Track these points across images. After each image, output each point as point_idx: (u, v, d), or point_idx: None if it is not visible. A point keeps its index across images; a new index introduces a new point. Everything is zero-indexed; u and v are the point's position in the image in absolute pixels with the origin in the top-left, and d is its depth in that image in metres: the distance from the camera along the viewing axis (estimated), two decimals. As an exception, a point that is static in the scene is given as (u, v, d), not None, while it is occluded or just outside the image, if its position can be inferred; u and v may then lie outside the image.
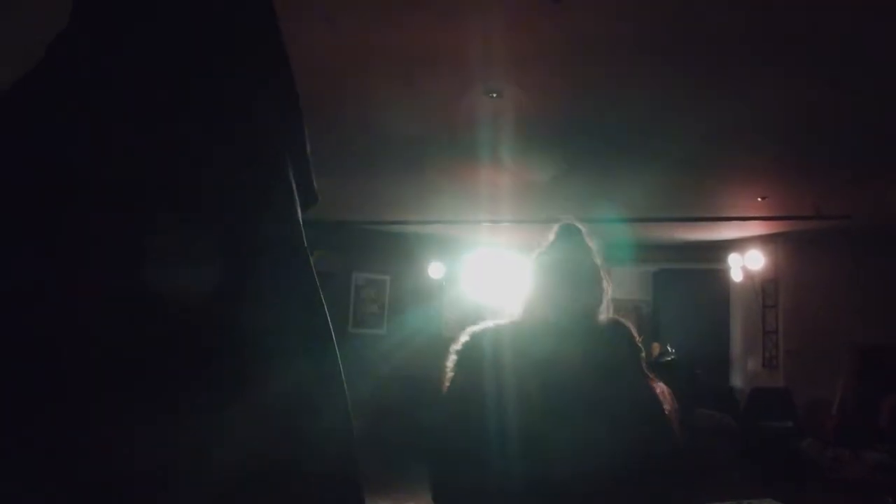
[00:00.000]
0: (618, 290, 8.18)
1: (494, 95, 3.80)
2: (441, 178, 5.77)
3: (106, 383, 0.88)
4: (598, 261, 2.01)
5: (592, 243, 2.02)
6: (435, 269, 9.01)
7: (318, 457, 0.98)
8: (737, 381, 9.25)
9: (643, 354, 2.11)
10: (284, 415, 0.95)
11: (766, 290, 8.04)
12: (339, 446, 1.02)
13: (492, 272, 8.85)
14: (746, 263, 8.01)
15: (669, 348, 10.23)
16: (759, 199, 6.10)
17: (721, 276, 9.19)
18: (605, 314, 1.98)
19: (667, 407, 1.97)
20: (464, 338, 1.95)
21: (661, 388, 2.00)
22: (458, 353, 1.94)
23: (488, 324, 1.98)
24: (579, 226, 2.03)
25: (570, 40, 3.19)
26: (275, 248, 0.99)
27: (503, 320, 1.98)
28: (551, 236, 2.03)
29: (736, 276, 8.37)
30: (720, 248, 8.52)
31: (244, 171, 0.98)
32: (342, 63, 3.46)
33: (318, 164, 1.13)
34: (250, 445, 0.90)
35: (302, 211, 1.05)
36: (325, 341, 1.03)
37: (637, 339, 2.11)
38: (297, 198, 1.04)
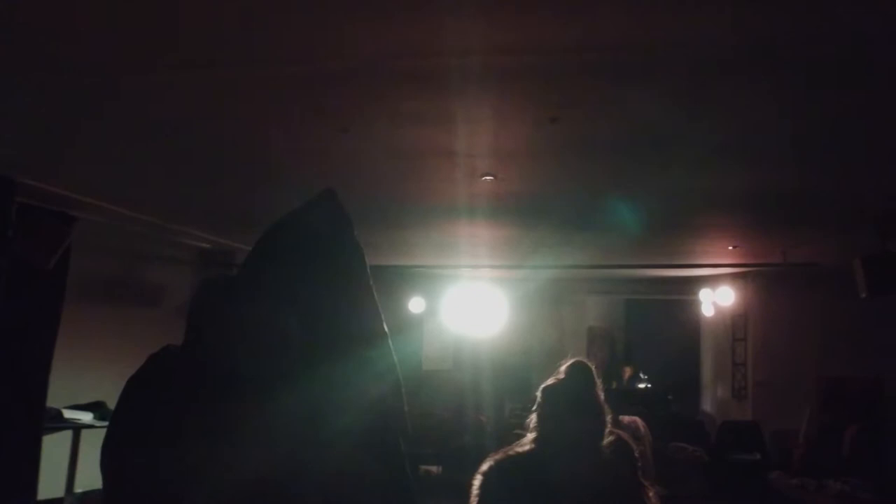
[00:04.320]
0: (591, 317, 8.46)
1: (488, 178, 4.05)
2: (426, 231, 6.00)
3: None
4: (602, 394, 2.27)
5: (599, 380, 2.28)
6: (415, 304, 9.18)
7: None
8: (706, 407, 9.59)
9: (640, 465, 2.36)
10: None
11: (735, 323, 8.37)
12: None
13: (472, 306, 9.04)
14: (717, 299, 8.32)
15: (642, 375, 10.54)
16: (731, 248, 6.41)
17: (692, 306, 9.52)
18: (607, 438, 2.22)
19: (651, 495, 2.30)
20: (486, 464, 2.20)
21: (653, 491, 2.31)
22: (483, 478, 2.18)
23: (508, 451, 2.23)
24: (588, 363, 2.30)
25: (559, 142, 3.46)
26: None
27: (521, 448, 2.22)
28: (562, 371, 2.29)
29: (707, 310, 8.68)
30: (692, 282, 8.85)
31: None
32: (357, 160, 3.79)
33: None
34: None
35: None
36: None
37: (636, 452, 2.43)
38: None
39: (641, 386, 10.32)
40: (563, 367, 2.27)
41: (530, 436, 2.21)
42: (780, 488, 6.88)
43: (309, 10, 2.18)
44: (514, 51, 2.41)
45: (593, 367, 2.28)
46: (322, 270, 1.53)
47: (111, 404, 6.21)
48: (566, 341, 9.74)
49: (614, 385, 10.01)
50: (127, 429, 1.62)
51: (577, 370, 2.24)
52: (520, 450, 2.21)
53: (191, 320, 1.67)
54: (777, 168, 3.88)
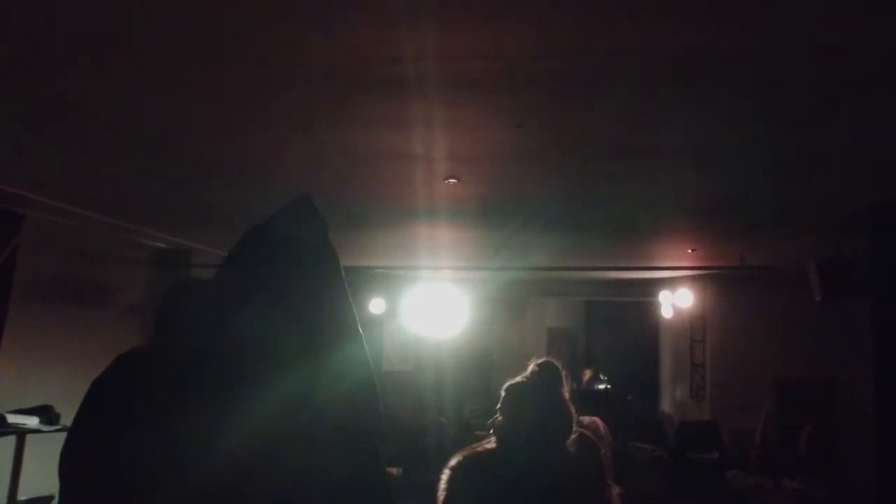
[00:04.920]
0: (552, 319, 8.49)
1: (452, 181, 4.00)
2: (387, 232, 5.93)
3: None
4: (568, 394, 2.28)
5: (566, 380, 2.30)
6: (376, 305, 9.09)
7: None
8: (665, 407, 9.70)
9: (605, 463, 2.45)
10: None
11: (694, 325, 8.48)
12: None
13: (432, 308, 9.00)
14: (676, 301, 8.42)
15: (602, 376, 10.62)
16: (690, 251, 6.48)
17: (651, 307, 9.62)
18: (573, 435, 2.23)
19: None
20: (454, 460, 2.20)
21: (616, 490, 2.33)
22: (450, 472, 2.18)
23: (476, 447, 2.24)
24: (555, 363, 2.31)
25: (523, 146, 3.44)
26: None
27: (488, 445, 2.23)
28: (529, 371, 2.30)
29: (666, 312, 8.77)
30: (652, 284, 8.93)
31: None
32: (319, 161, 3.74)
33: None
34: None
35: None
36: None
37: (601, 451, 2.45)
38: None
39: (601, 387, 10.39)
40: (530, 367, 2.28)
41: (495, 434, 2.22)
42: (737, 487, 6.97)
43: (273, 16, 2.15)
44: (478, 58, 2.41)
45: (560, 367, 2.28)
46: (299, 274, 1.56)
47: (59, 408, 6.04)
48: (526, 343, 9.76)
49: (574, 386, 10.04)
50: (90, 429, 1.60)
51: (544, 369, 2.26)
52: (487, 446, 2.22)
53: (161, 322, 1.67)
54: (734, 174, 3.94)
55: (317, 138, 3.31)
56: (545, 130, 3.20)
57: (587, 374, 10.81)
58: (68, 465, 1.56)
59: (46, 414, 5.68)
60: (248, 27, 2.23)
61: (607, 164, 3.79)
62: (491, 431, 2.22)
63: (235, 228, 1.73)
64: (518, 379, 2.27)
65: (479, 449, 2.19)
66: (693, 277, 8.24)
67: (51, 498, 5.49)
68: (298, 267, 1.57)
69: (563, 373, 2.27)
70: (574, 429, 2.24)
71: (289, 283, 1.55)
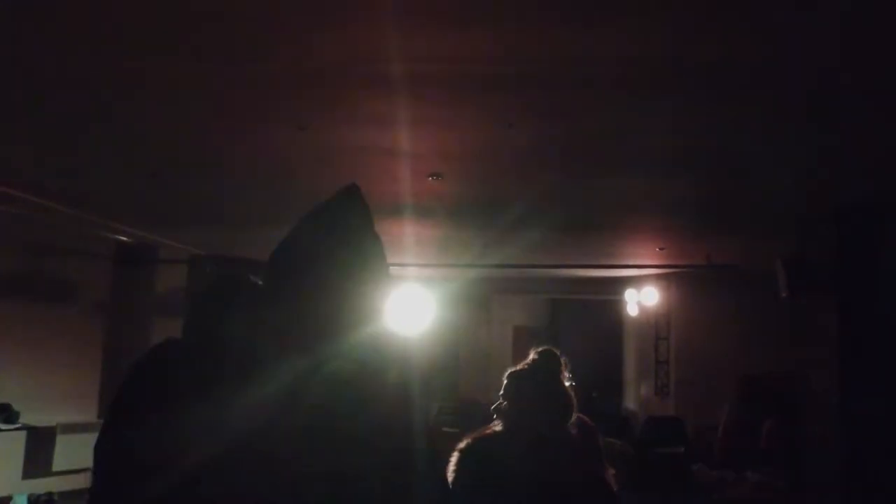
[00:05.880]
0: (517, 316, 8.52)
1: (434, 178, 4.00)
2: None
3: None
4: (568, 381, 2.42)
5: (566, 366, 2.44)
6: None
7: None
8: (629, 404, 9.84)
9: (602, 443, 2.60)
10: None
11: (659, 323, 8.62)
12: None
13: (398, 305, 8.96)
14: (642, 299, 8.54)
15: (567, 373, 10.70)
16: (658, 250, 6.58)
17: (616, 305, 9.75)
18: (573, 419, 2.36)
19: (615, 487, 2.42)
20: (463, 443, 2.29)
21: (611, 471, 2.48)
22: (459, 454, 2.25)
23: (483, 431, 2.33)
24: (555, 351, 2.46)
25: (497, 147, 3.48)
26: None
27: (495, 428, 2.33)
28: (530, 358, 2.43)
29: (632, 310, 8.90)
30: (617, 283, 9.05)
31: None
32: (309, 156, 3.72)
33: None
34: None
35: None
36: None
37: (599, 434, 2.62)
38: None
39: (567, 384, 10.47)
40: (531, 354, 2.40)
41: (500, 418, 2.31)
42: (702, 480, 7.11)
43: (262, 15, 2.16)
44: (445, 60, 2.45)
45: (560, 355, 2.42)
46: (342, 261, 1.63)
47: (17, 406, 5.85)
48: (493, 341, 9.80)
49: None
50: (132, 410, 1.63)
51: (544, 356, 2.39)
52: (493, 429, 2.31)
53: (198, 311, 1.77)
54: (704, 176, 4.04)
55: (308, 133, 3.28)
56: (521, 133, 3.26)
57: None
58: (109, 446, 1.58)
59: (4, 412, 5.50)
60: (233, 24, 2.23)
61: (580, 167, 3.87)
62: (495, 416, 2.31)
63: (207, 224, 1.72)
64: (519, 366, 2.38)
65: (485, 432, 2.29)
66: (658, 276, 8.38)
67: (9, 499, 5.32)
68: (347, 257, 1.63)
69: (563, 360, 2.41)
70: (574, 412, 2.34)
71: (332, 270, 1.61)
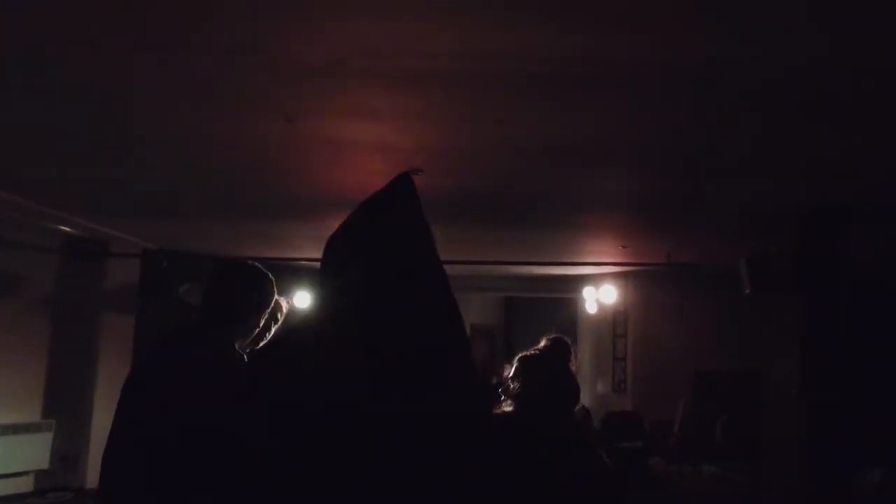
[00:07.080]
0: (473, 315, 8.48)
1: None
2: (302, 223, 5.79)
3: None
4: (574, 368, 2.64)
5: (574, 354, 2.69)
6: (300, 299, 8.81)
7: None
8: (585, 401, 9.93)
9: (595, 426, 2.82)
10: None
11: (616, 320, 8.72)
12: None
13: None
14: (600, 297, 8.62)
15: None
16: (622, 247, 6.64)
17: (571, 304, 9.82)
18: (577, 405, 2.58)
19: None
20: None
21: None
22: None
23: (497, 409, 2.43)
24: (564, 339, 2.71)
25: (457, 144, 3.45)
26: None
27: (505, 409, 2.44)
28: (541, 344, 2.63)
29: (590, 307, 8.97)
30: (574, 281, 9.11)
31: None
32: (293, 149, 3.67)
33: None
34: None
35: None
36: None
37: (593, 418, 2.85)
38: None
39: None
40: (542, 341, 2.61)
41: (510, 399, 2.44)
42: (659, 473, 7.23)
43: (253, 4, 2.13)
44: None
45: (569, 343, 2.69)
46: (391, 247, 1.78)
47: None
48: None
49: (494, 381, 10.14)
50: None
51: (554, 343, 2.62)
52: (505, 409, 2.42)
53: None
54: (663, 173, 4.07)
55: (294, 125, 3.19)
56: (479, 130, 3.29)
57: (506, 369, 10.90)
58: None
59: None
60: (220, 15, 2.18)
61: (538, 163, 3.87)
62: (503, 398, 2.46)
63: (170, 217, 1.64)
64: (530, 351, 2.54)
65: (497, 412, 2.39)
66: (616, 274, 8.47)
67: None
68: (392, 241, 1.78)
69: (573, 348, 2.66)
70: (579, 399, 2.55)
71: (380, 256, 1.77)
